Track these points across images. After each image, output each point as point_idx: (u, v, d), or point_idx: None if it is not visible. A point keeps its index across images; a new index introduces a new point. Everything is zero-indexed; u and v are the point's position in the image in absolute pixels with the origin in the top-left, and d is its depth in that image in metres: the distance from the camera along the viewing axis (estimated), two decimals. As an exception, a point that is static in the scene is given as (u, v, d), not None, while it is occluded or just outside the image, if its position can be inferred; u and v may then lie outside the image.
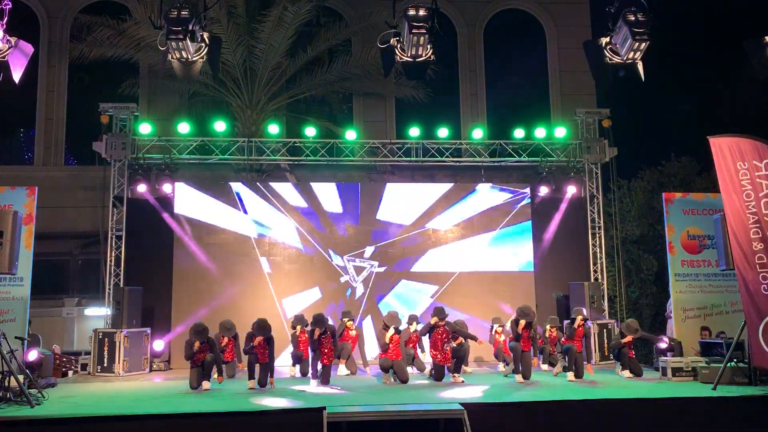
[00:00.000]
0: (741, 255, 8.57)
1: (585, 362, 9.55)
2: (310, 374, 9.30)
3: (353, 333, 10.28)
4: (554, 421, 7.24)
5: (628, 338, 9.67)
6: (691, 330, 10.78)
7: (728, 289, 10.74)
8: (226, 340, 9.81)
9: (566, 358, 9.56)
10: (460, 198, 12.50)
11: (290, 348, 10.42)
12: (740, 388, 8.28)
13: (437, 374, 9.30)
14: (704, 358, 9.37)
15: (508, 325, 10.23)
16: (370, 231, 12.23)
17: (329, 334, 9.27)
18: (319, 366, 9.22)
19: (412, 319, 10.12)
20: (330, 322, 9.72)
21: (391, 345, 9.28)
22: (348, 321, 10.24)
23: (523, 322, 9.30)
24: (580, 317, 9.61)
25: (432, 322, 9.33)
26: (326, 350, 9.22)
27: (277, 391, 8.64)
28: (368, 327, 11.61)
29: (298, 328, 10.12)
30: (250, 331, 9.02)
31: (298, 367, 10.20)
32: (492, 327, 10.67)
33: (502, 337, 10.47)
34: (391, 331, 9.34)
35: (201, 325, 9.04)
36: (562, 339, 9.94)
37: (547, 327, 10.60)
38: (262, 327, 8.97)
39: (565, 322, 10.30)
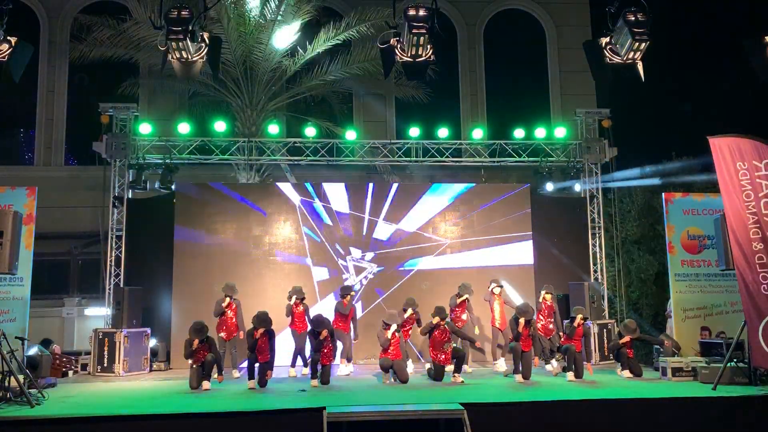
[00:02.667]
0: (741, 255, 8.57)
1: (585, 362, 9.55)
2: (309, 373, 9.29)
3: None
4: (554, 421, 7.24)
5: (626, 339, 9.66)
6: (691, 330, 10.78)
7: (728, 289, 10.74)
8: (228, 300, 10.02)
9: (566, 358, 9.56)
10: (461, 199, 12.49)
11: (289, 348, 10.38)
12: (740, 388, 8.28)
13: (437, 374, 9.30)
14: (704, 358, 9.37)
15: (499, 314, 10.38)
16: (371, 231, 12.22)
17: (329, 335, 9.30)
18: (319, 366, 9.22)
19: (410, 303, 10.05)
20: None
21: (391, 344, 9.28)
22: (351, 294, 10.43)
23: (522, 321, 9.31)
24: (580, 316, 9.61)
25: (434, 321, 9.32)
26: (326, 350, 9.23)
27: (277, 391, 8.65)
28: (367, 327, 11.57)
29: (294, 298, 10.20)
30: (251, 328, 9.04)
31: (298, 368, 10.21)
32: (490, 286, 10.64)
33: (497, 303, 10.44)
34: (393, 329, 9.34)
35: (200, 323, 9.06)
36: (561, 339, 9.94)
37: (543, 293, 10.54)
38: (262, 319, 9.00)
39: (565, 321, 10.30)
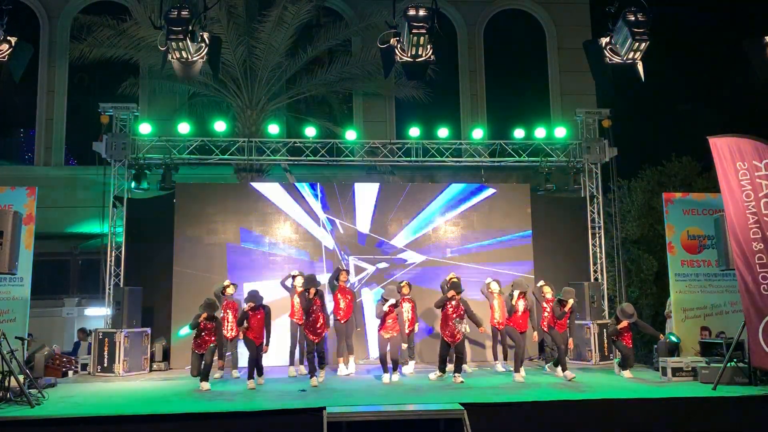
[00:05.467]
0: (741, 255, 8.56)
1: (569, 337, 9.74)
2: (308, 373, 9.25)
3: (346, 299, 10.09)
4: (554, 421, 7.24)
5: (624, 323, 9.57)
6: (691, 330, 10.78)
7: (728, 289, 10.75)
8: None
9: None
10: (461, 199, 12.49)
11: (288, 346, 10.35)
12: (740, 388, 8.28)
13: (442, 350, 9.22)
14: (704, 358, 9.37)
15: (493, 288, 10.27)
16: (371, 231, 12.22)
17: (320, 300, 9.21)
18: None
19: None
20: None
21: (388, 316, 9.24)
22: (342, 272, 10.17)
23: (517, 293, 9.40)
24: (571, 301, 9.59)
25: (449, 295, 9.18)
26: (318, 324, 9.13)
27: (277, 391, 8.64)
28: (366, 326, 11.59)
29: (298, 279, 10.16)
30: (244, 309, 9.12)
31: (297, 367, 10.21)
32: (488, 283, 10.54)
33: (497, 302, 10.21)
34: (390, 302, 9.27)
35: (212, 299, 9.17)
36: (546, 321, 9.91)
37: (540, 286, 10.53)
38: (252, 296, 9.09)
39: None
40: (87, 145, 12.58)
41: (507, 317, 9.66)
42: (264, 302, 9.26)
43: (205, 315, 8.91)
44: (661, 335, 10.15)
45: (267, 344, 9.13)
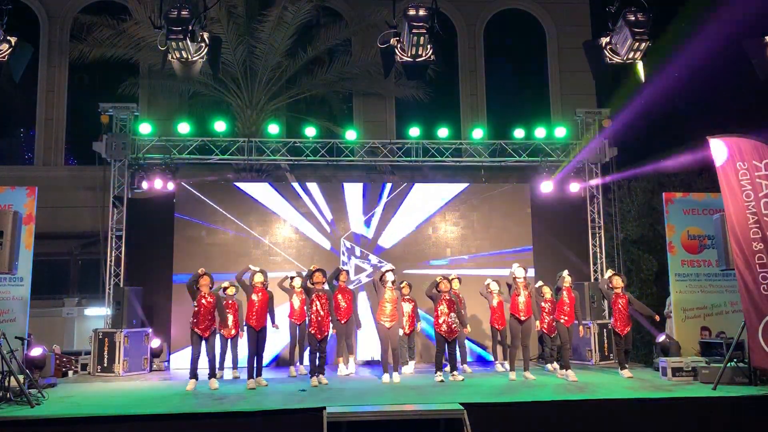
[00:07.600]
0: (741, 255, 8.56)
1: (579, 325, 9.79)
2: (308, 373, 9.25)
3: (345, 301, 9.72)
4: (554, 421, 7.24)
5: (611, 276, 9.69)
6: (691, 330, 10.79)
7: (728, 289, 10.75)
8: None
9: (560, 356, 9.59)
10: (461, 198, 12.49)
11: (288, 345, 10.35)
12: (740, 388, 8.27)
13: (439, 348, 9.15)
14: (704, 358, 9.37)
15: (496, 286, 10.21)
16: (371, 231, 12.23)
17: (326, 300, 9.15)
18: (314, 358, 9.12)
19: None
20: (326, 287, 9.40)
21: (388, 300, 9.20)
22: (343, 272, 9.82)
23: (521, 281, 9.38)
24: (568, 279, 9.66)
25: (437, 280, 9.17)
26: (323, 316, 9.09)
27: (277, 391, 8.64)
28: (366, 327, 11.57)
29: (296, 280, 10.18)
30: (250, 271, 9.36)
31: (297, 367, 10.21)
32: (487, 284, 10.44)
33: (495, 300, 10.20)
34: (387, 267, 9.32)
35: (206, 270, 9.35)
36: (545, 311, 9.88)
37: (540, 286, 10.48)
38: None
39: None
40: (87, 145, 12.59)
41: (508, 302, 9.63)
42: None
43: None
44: (657, 316, 10.05)
45: (274, 322, 9.28)
